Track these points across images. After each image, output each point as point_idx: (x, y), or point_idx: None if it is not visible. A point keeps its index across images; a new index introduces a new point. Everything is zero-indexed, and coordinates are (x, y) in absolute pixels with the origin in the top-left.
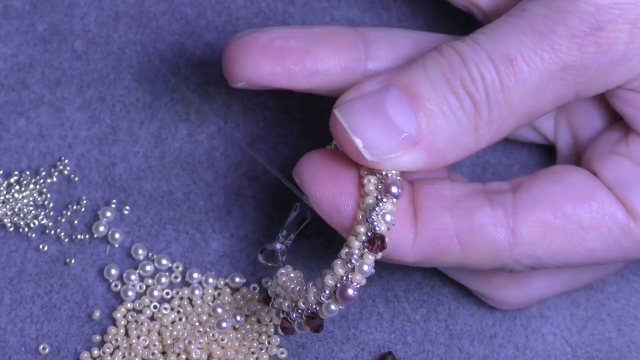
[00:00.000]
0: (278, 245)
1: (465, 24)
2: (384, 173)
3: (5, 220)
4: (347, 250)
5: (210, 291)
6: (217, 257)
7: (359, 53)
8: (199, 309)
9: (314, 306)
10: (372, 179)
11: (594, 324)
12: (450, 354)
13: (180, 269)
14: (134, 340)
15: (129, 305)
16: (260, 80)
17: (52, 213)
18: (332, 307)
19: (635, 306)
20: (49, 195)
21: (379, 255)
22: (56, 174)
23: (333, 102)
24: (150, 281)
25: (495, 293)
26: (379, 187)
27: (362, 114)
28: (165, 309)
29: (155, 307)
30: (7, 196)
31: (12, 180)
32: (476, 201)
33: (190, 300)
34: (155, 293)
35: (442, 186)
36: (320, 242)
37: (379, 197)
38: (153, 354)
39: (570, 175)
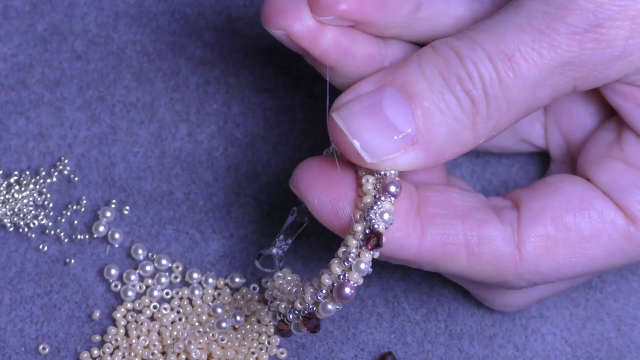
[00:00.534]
0: (275, 250)
1: None
2: (382, 173)
3: (5, 220)
4: (344, 249)
5: (210, 291)
6: (217, 257)
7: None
8: (199, 309)
9: (311, 306)
10: (371, 179)
11: (593, 324)
12: (450, 354)
13: (180, 269)
14: (133, 340)
15: (129, 305)
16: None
17: (52, 213)
18: (329, 306)
19: (634, 306)
20: (49, 195)
21: (377, 254)
22: (56, 174)
23: (332, 102)
24: (150, 281)
25: (495, 297)
26: (377, 186)
27: (359, 116)
28: (165, 309)
29: (155, 307)
30: (7, 196)
31: (12, 180)
32: (486, 214)
33: (190, 300)
34: (155, 293)
35: (453, 195)
36: (320, 242)
37: (377, 196)
38: (153, 354)
39: (567, 185)
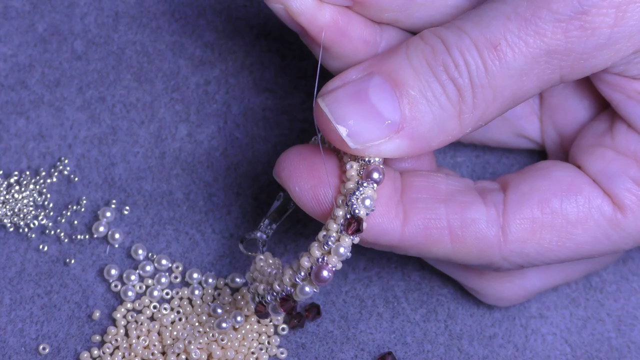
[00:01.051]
0: (259, 234)
1: None
2: (366, 159)
3: (5, 220)
4: (324, 233)
5: (210, 291)
6: (217, 257)
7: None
8: (199, 309)
9: (289, 288)
10: (355, 165)
11: (593, 324)
12: (450, 354)
13: (180, 269)
14: (133, 341)
15: (129, 305)
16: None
17: (52, 213)
18: (307, 289)
19: (634, 306)
20: (49, 196)
21: (356, 239)
22: (56, 174)
23: None
24: (150, 281)
25: (487, 288)
26: (361, 173)
27: (345, 102)
28: (165, 309)
29: (155, 307)
30: (7, 196)
31: (12, 180)
32: (470, 197)
33: (190, 301)
34: (155, 293)
35: (437, 180)
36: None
37: (360, 182)
38: (153, 354)
39: (556, 170)
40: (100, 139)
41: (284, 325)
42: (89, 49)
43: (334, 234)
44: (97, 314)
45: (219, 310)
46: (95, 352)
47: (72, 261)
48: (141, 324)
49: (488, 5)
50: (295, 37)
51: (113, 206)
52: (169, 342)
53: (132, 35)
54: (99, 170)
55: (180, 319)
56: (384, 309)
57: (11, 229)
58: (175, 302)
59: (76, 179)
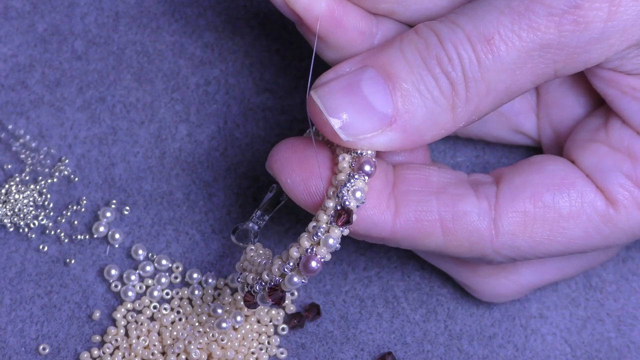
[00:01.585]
0: (251, 225)
1: None
2: (358, 152)
3: (5, 220)
4: (314, 223)
5: (210, 291)
6: (217, 257)
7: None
8: (199, 309)
9: (277, 278)
10: (347, 157)
11: (593, 324)
12: (450, 354)
13: (180, 269)
14: (133, 341)
15: (129, 305)
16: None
17: (52, 213)
18: (295, 279)
19: (634, 306)
20: (49, 196)
21: (346, 230)
22: (56, 174)
23: None
24: (150, 281)
25: (481, 284)
26: (353, 165)
27: (337, 94)
28: (165, 309)
29: (155, 307)
30: (7, 196)
31: (12, 180)
32: (462, 189)
33: (190, 301)
34: (155, 293)
35: (430, 172)
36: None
37: (351, 174)
38: (153, 354)
39: (550, 164)
40: (100, 139)
41: (284, 325)
42: (89, 49)
43: (324, 225)
44: (97, 314)
45: (219, 310)
46: (95, 352)
47: (72, 261)
48: (141, 324)
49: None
50: (295, 37)
51: (113, 206)
52: (169, 342)
53: (132, 35)
54: (99, 170)
55: (180, 319)
56: (384, 309)
57: (11, 229)
58: (175, 302)
59: (76, 179)
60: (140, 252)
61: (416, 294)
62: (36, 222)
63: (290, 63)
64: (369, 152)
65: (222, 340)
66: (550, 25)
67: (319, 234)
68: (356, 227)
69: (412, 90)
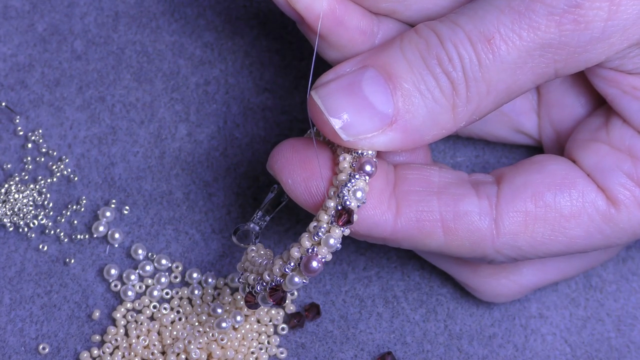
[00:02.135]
0: (252, 226)
1: None
2: (359, 152)
3: (5, 220)
4: (315, 223)
5: (210, 291)
6: (217, 257)
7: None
8: (199, 309)
9: (279, 278)
10: (348, 157)
11: (593, 324)
12: (450, 354)
13: (180, 269)
14: (133, 340)
15: (129, 305)
16: None
17: (51, 213)
18: (296, 279)
19: (634, 306)
20: (48, 195)
21: (347, 230)
22: (56, 173)
23: None
24: (150, 281)
25: (482, 284)
26: (354, 165)
27: (338, 94)
28: (165, 309)
29: (154, 307)
30: (7, 196)
31: (12, 180)
32: (463, 189)
33: (190, 300)
34: (155, 293)
35: (431, 172)
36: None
37: (352, 174)
38: (153, 354)
39: (551, 164)
40: (100, 139)
41: (284, 325)
42: (88, 48)
43: (325, 225)
44: (97, 314)
45: (219, 310)
46: (95, 352)
47: (72, 261)
48: (141, 323)
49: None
50: (295, 37)
51: (113, 206)
52: (168, 342)
53: (132, 35)
54: (98, 170)
55: (180, 319)
56: (384, 308)
57: (11, 229)
58: (175, 302)
59: (76, 178)
60: (140, 251)
61: (416, 293)
62: (36, 222)
63: (290, 63)
64: (370, 152)
65: (222, 340)
66: (551, 25)
67: (320, 234)
68: (357, 227)
69: (413, 90)
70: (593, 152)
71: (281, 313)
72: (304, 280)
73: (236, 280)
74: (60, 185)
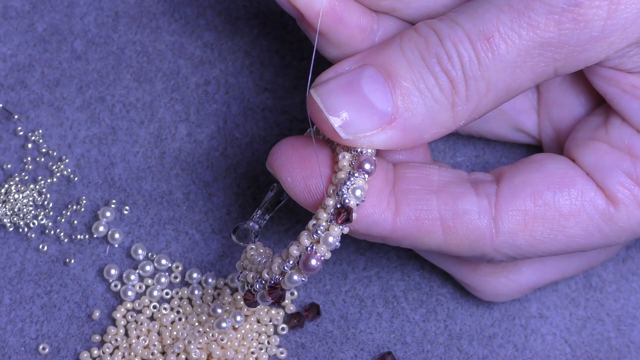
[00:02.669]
0: (251, 225)
1: None
2: (359, 150)
3: (5, 220)
4: (314, 222)
5: (210, 291)
6: (217, 257)
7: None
8: (199, 309)
9: (278, 276)
10: (347, 156)
11: (593, 324)
12: (450, 354)
13: (180, 269)
14: (133, 340)
15: (129, 305)
16: None
17: (51, 213)
18: (295, 277)
19: (634, 306)
20: (49, 195)
21: (346, 229)
22: (56, 173)
23: None
24: (150, 281)
25: (482, 283)
26: (353, 163)
27: (337, 93)
28: (165, 309)
29: (154, 307)
30: (7, 196)
31: (12, 180)
32: (462, 188)
33: (190, 300)
34: (155, 293)
35: (430, 171)
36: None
37: (351, 172)
38: (153, 354)
39: (550, 163)
40: (100, 139)
41: (284, 325)
42: (88, 48)
43: (324, 223)
44: (97, 314)
45: (219, 310)
46: (95, 352)
47: (72, 261)
48: (141, 323)
49: None
50: (295, 37)
51: (113, 206)
52: (168, 342)
53: (132, 35)
54: (98, 170)
55: (180, 319)
56: (384, 308)
57: (11, 229)
58: (175, 302)
59: (76, 178)
60: (140, 251)
61: (416, 293)
62: (36, 222)
63: (290, 63)
64: (369, 150)
65: (222, 340)
66: (550, 24)
67: (319, 232)
68: (357, 226)
69: (412, 89)
70: (592, 151)
71: (281, 313)
72: (303, 279)
73: (235, 279)
74: (60, 185)
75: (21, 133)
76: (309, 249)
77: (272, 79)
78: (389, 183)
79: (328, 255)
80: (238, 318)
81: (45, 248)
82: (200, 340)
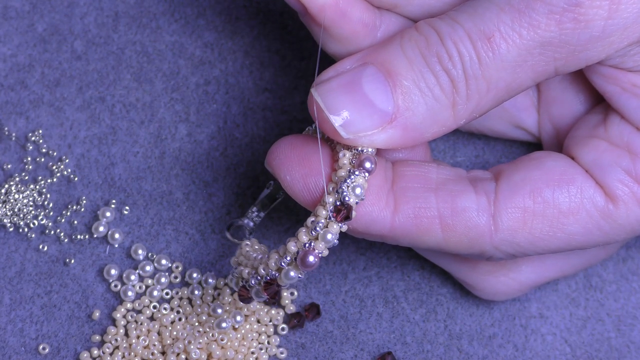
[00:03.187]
0: (246, 221)
1: None
2: (359, 149)
3: (5, 220)
4: (313, 218)
5: (210, 291)
6: (217, 257)
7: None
8: (199, 309)
9: (274, 272)
10: (347, 154)
11: (593, 324)
12: (450, 354)
13: (180, 269)
14: (133, 340)
15: (129, 305)
16: None
17: (51, 213)
18: (292, 273)
19: (634, 306)
20: (48, 195)
21: (345, 227)
22: (56, 173)
23: None
24: (150, 281)
25: (481, 281)
26: (353, 162)
27: (338, 92)
28: (165, 309)
29: (154, 307)
30: (7, 196)
31: (12, 180)
32: (461, 186)
33: (190, 300)
34: (155, 293)
35: (429, 169)
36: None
37: (352, 170)
38: (153, 354)
39: (549, 160)
40: (100, 139)
41: (284, 325)
42: (88, 49)
43: (323, 220)
44: (97, 314)
45: (219, 310)
46: (95, 352)
47: (72, 261)
48: (141, 323)
49: None
50: (295, 37)
51: (113, 206)
52: (168, 342)
53: (132, 35)
54: (98, 170)
55: (180, 319)
56: (384, 308)
57: (11, 229)
58: (175, 302)
59: (76, 178)
60: (140, 251)
61: (416, 293)
62: (36, 222)
63: (290, 63)
64: (369, 149)
65: (222, 340)
66: (551, 23)
67: (318, 228)
68: (355, 224)
69: (413, 88)
70: (592, 149)
71: (281, 313)
72: (300, 275)
73: (230, 274)
74: (60, 185)
75: (21, 133)
76: (306, 245)
77: (272, 79)
78: (387, 181)
79: (326, 252)
80: (238, 318)
81: (45, 248)
82: (200, 340)
